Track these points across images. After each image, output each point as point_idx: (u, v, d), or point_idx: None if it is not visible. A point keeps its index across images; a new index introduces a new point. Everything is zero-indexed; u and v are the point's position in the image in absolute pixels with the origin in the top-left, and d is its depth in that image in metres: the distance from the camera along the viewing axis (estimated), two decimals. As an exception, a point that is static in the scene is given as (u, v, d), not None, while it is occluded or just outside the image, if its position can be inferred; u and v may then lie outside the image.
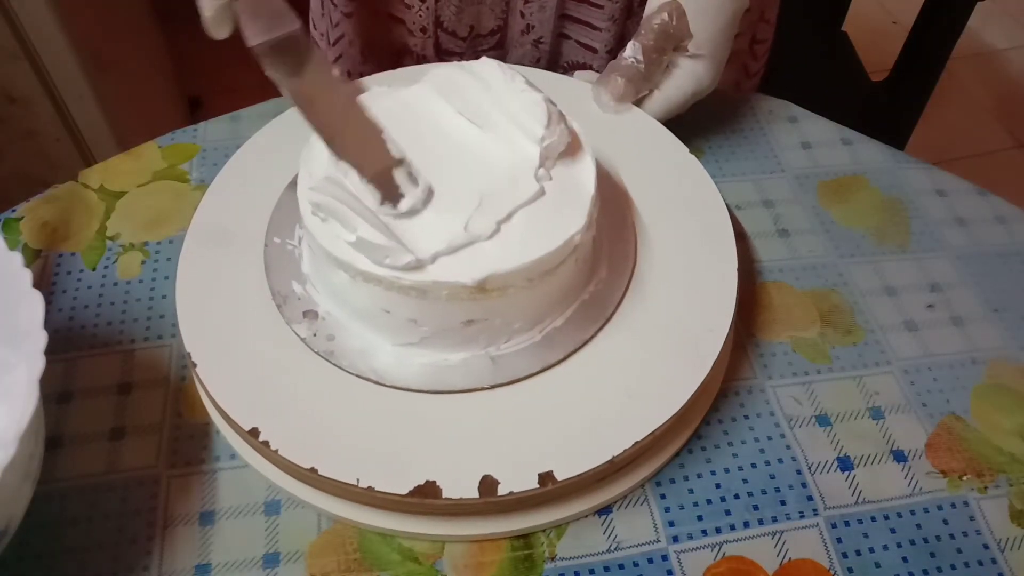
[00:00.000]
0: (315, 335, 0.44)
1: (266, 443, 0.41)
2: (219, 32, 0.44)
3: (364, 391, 0.43)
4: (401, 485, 0.39)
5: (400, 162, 0.43)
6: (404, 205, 0.42)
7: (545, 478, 0.40)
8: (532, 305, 0.43)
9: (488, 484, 0.40)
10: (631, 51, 0.53)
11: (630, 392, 0.43)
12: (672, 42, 0.53)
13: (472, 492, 0.39)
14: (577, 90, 0.56)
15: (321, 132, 0.43)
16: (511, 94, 0.45)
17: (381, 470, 0.40)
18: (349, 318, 0.45)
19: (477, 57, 0.66)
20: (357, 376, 0.43)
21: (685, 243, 0.49)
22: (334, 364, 0.44)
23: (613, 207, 0.50)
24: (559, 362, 0.44)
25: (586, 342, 0.45)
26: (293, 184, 0.49)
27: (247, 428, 0.41)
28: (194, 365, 0.43)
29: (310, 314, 0.45)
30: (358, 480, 0.40)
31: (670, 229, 0.50)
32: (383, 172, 0.42)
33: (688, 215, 0.51)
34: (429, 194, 0.43)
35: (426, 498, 0.39)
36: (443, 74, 0.47)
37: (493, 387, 0.43)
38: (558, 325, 0.45)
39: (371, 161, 0.43)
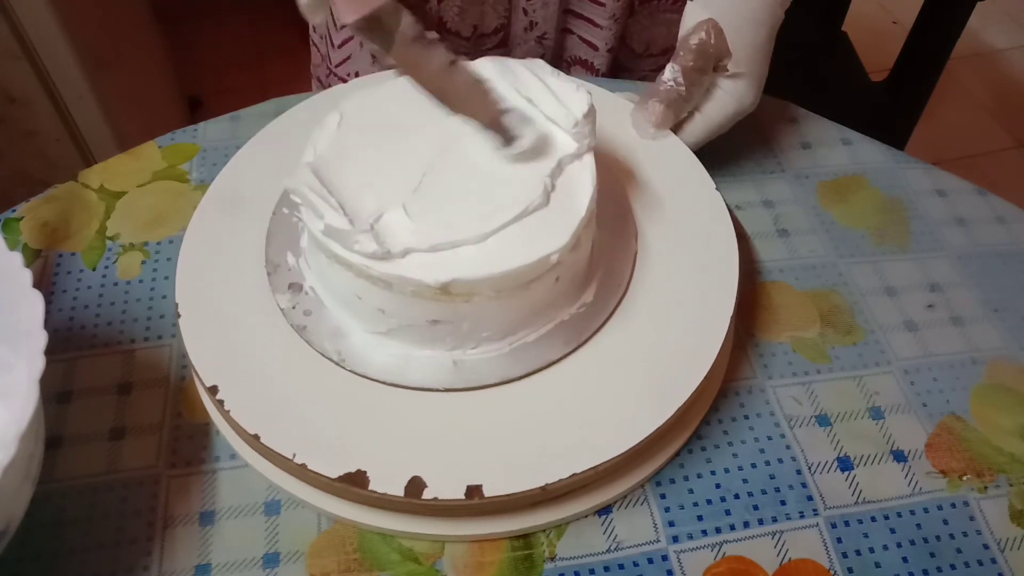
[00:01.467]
0: (294, 308, 0.45)
1: (221, 402, 0.41)
2: (315, 16, 0.47)
3: (325, 371, 0.43)
4: (334, 469, 0.40)
5: (507, 111, 0.44)
6: (523, 145, 0.43)
7: (473, 491, 0.40)
8: (501, 316, 0.43)
9: (415, 485, 0.40)
10: (670, 74, 0.51)
11: (584, 420, 0.42)
12: (711, 62, 0.51)
13: (398, 490, 0.39)
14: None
15: (431, 91, 0.45)
16: (546, 81, 0.46)
17: (320, 451, 0.40)
18: (328, 297, 0.45)
19: (481, 56, 0.66)
20: (321, 355, 0.44)
21: (685, 243, 0.49)
22: (304, 339, 0.44)
23: (613, 207, 0.50)
24: (521, 377, 0.43)
25: (554, 362, 0.44)
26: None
27: (208, 385, 0.42)
28: (178, 316, 0.45)
29: (295, 287, 0.46)
30: (294, 455, 0.40)
31: (670, 229, 0.50)
32: (494, 120, 0.44)
33: (688, 215, 0.51)
34: (542, 138, 0.44)
35: (353, 486, 0.39)
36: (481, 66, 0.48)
37: (448, 390, 0.43)
38: (530, 340, 0.44)
39: (480, 111, 0.45)
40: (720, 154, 0.59)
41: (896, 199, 0.59)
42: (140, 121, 1.23)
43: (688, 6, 0.53)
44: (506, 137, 0.44)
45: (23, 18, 0.98)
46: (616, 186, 0.51)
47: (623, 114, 0.55)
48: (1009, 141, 1.72)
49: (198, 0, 1.75)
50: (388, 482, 0.40)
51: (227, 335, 0.44)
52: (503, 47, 0.68)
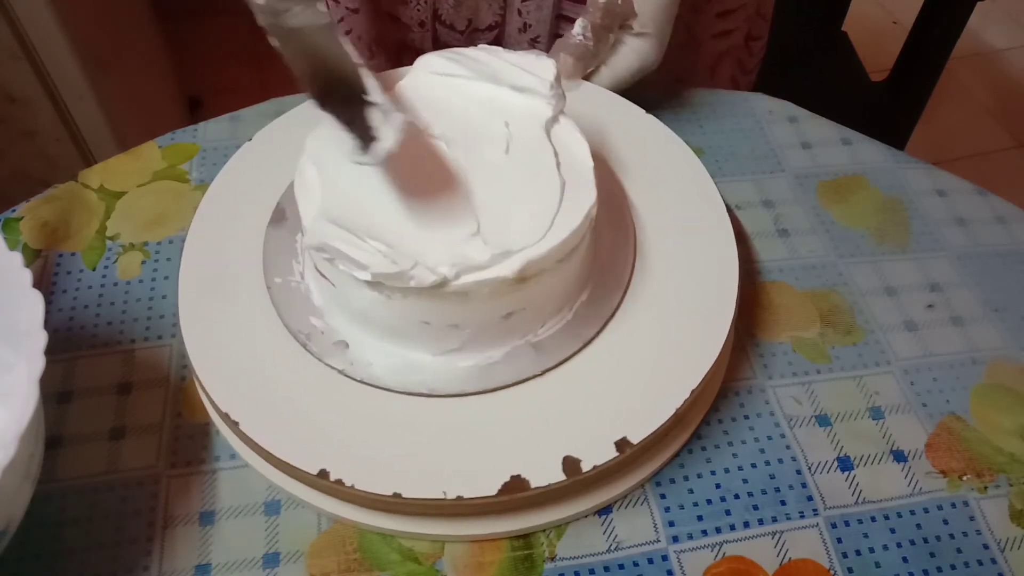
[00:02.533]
0: (352, 364, 0.43)
1: (339, 481, 0.40)
2: None
3: (419, 407, 0.43)
4: (374, 484, 0.40)
5: (372, 104, 0.40)
6: (383, 149, 0.39)
7: (511, 485, 0.40)
8: (560, 289, 0.44)
9: (570, 462, 0.40)
10: (579, 28, 0.54)
11: (584, 420, 0.43)
12: (617, 20, 0.54)
13: (558, 475, 0.40)
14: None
15: (299, 78, 0.42)
16: (505, 58, 0.47)
17: (463, 478, 0.40)
18: (381, 339, 0.44)
19: None
20: (407, 394, 0.43)
21: (685, 243, 0.49)
22: (383, 388, 0.43)
23: (611, 206, 0.50)
24: (521, 381, 0.43)
25: (554, 364, 0.44)
26: (278, 216, 0.49)
27: (315, 472, 0.40)
28: (235, 423, 0.42)
29: (340, 344, 0.44)
30: (335, 477, 0.40)
31: (670, 229, 0.50)
32: (356, 114, 0.40)
33: (688, 215, 0.51)
34: (406, 127, 0.40)
35: (514, 493, 0.40)
36: (428, 64, 0.48)
37: (447, 396, 0.43)
38: (530, 342, 0.44)
39: (344, 104, 0.40)
40: (720, 154, 0.59)
41: (896, 199, 0.59)
42: (140, 121, 1.23)
43: None
44: (365, 138, 0.40)
45: (23, 18, 0.98)
46: (615, 186, 0.51)
47: (622, 115, 0.55)
48: (1009, 141, 1.72)
49: (198, 0, 1.75)
50: (546, 474, 0.40)
51: (309, 421, 0.42)
52: (497, 45, 0.68)
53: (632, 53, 0.56)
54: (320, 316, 0.45)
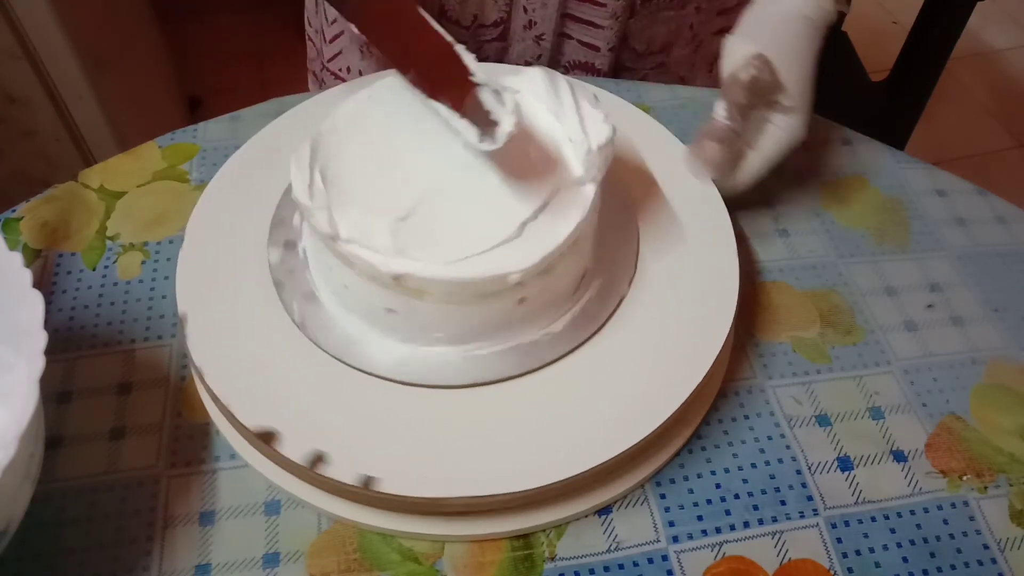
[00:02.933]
0: (349, 352, 0.44)
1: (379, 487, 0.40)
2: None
3: (415, 398, 0.43)
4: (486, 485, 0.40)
5: (478, 85, 0.39)
6: (502, 133, 0.38)
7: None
8: (457, 319, 0.43)
9: (370, 481, 0.40)
10: (721, 112, 0.49)
11: (584, 420, 0.42)
12: (762, 98, 0.50)
13: (554, 474, 0.40)
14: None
15: (390, 58, 0.39)
16: (579, 102, 0.44)
17: (461, 474, 0.41)
18: (386, 335, 0.44)
19: (480, 48, 0.65)
20: (402, 383, 0.43)
21: (685, 243, 0.49)
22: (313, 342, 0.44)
23: (615, 206, 0.50)
24: (520, 375, 0.44)
25: (554, 361, 0.44)
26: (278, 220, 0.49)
27: (307, 461, 0.40)
28: (236, 421, 0.42)
29: (337, 329, 0.45)
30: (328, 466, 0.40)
31: (670, 229, 0.50)
32: (472, 100, 0.38)
33: (688, 215, 0.51)
34: (516, 108, 0.39)
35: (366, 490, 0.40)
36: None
37: (450, 387, 0.43)
38: (529, 339, 0.44)
39: (456, 90, 0.39)
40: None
41: (896, 199, 0.59)
42: (140, 121, 1.23)
43: (730, 39, 0.51)
44: (482, 124, 0.39)
45: (23, 18, 0.98)
46: (619, 185, 0.51)
47: (622, 115, 0.55)
48: (1009, 141, 1.72)
49: (198, 0, 1.75)
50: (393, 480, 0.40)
51: (234, 343, 0.44)
52: (502, 41, 0.68)
53: (780, 132, 0.51)
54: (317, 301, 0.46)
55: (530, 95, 0.45)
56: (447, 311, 0.42)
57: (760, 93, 0.49)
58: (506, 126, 0.39)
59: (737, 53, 0.50)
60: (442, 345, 0.44)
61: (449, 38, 0.39)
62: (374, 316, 0.43)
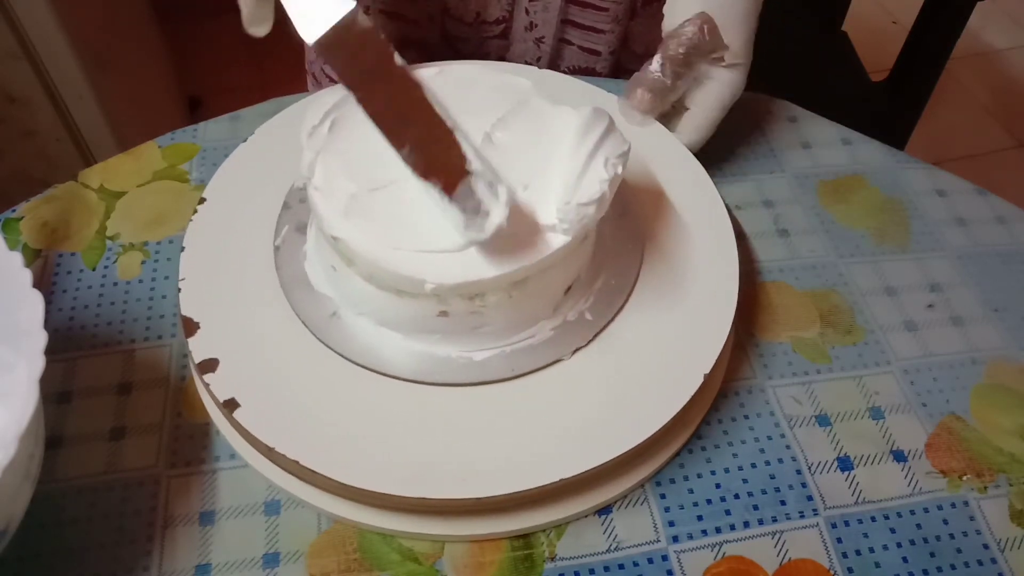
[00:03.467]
0: (345, 344, 0.44)
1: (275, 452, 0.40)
2: (258, 29, 0.42)
3: (415, 395, 0.43)
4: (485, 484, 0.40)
5: (473, 173, 0.38)
6: (491, 225, 0.38)
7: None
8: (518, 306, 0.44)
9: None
10: (657, 64, 0.51)
11: (584, 420, 0.42)
12: (701, 55, 0.51)
13: (555, 473, 0.40)
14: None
15: (386, 130, 0.39)
16: (594, 155, 0.42)
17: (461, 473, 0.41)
18: (398, 331, 0.44)
19: (482, 44, 0.66)
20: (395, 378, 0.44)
21: (685, 243, 0.49)
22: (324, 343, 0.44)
23: (618, 207, 0.50)
24: (522, 375, 0.44)
25: (556, 362, 0.44)
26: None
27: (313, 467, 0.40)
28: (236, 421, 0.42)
29: (336, 319, 0.45)
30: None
31: (670, 229, 0.50)
32: (464, 187, 0.38)
33: (689, 215, 0.51)
34: (510, 199, 0.39)
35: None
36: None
37: (452, 385, 0.43)
38: (532, 340, 0.45)
39: (451, 175, 0.38)
40: (720, 154, 0.59)
41: (896, 199, 0.59)
42: (140, 121, 1.23)
43: None
44: (469, 211, 0.38)
45: (23, 18, 0.98)
46: (621, 185, 0.51)
47: (621, 116, 0.55)
48: (1009, 141, 1.72)
49: (198, 0, 1.75)
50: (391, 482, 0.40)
51: (243, 344, 0.44)
52: (504, 39, 0.68)
53: (722, 87, 0.53)
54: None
55: (562, 126, 0.43)
56: (387, 299, 0.42)
57: (700, 52, 0.51)
58: (496, 218, 0.38)
59: (681, 8, 0.52)
60: (441, 343, 0.44)
61: (450, 123, 0.39)
62: (362, 303, 0.43)
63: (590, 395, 0.43)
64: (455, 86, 0.44)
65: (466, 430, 0.42)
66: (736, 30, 0.52)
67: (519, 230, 0.41)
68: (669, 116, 0.55)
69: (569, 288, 0.45)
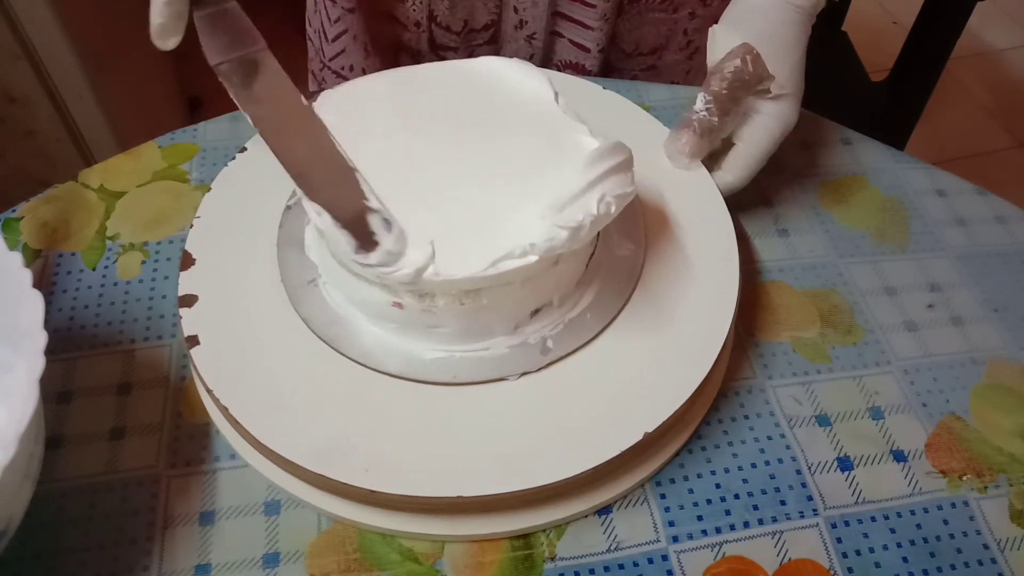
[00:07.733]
0: (341, 340, 0.45)
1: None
2: (165, 43, 0.42)
3: (413, 394, 0.43)
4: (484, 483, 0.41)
5: (371, 210, 0.40)
6: (378, 255, 0.39)
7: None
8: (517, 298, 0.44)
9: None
10: (701, 103, 0.49)
11: (584, 419, 0.42)
12: (747, 88, 0.49)
13: (553, 474, 0.40)
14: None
15: (287, 166, 0.41)
16: (598, 179, 0.41)
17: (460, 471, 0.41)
18: (389, 329, 0.45)
19: (472, 52, 0.65)
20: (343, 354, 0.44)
21: (685, 243, 0.49)
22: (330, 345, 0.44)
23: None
24: (522, 375, 0.44)
25: (555, 361, 0.44)
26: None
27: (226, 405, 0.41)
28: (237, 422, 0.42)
29: (335, 317, 0.45)
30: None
31: (670, 229, 0.50)
32: (356, 217, 0.40)
33: (689, 215, 0.50)
34: (402, 240, 0.40)
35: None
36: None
37: (450, 384, 0.43)
38: (532, 340, 0.44)
39: (342, 203, 0.40)
40: (720, 154, 0.59)
41: (896, 199, 0.59)
42: (140, 121, 1.23)
43: (715, 29, 0.51)
44: (363, 240, 0.39)
45: (23, 18, 0.98)
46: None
47: (622, 116, 0.55)
48: (1009, 141, 1.72)
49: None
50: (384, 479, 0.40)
51: (243, 352, 0.44)
52: (493, 44, 0.68)
53: (771, 120, 0.50)
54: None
55: (573, 146, 0.44)
56: (349, 279, 0.43)
57: (746, 85, 0.49)
58: (387, 245, 0.40)
59: (722, 43, 0.50)
60: (397, 334, 0.44)
61: (352, 164, 0.41)
62: (362, 301, 0.44)
63: (590, 395, 0.43)
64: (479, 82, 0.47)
65: (466, 429, 0.42)
66: (781, 59, 0.49)
67: (487, 242, 0.41)
68: (715, 152, 0.53)
69: (537, 311, 0.44)
